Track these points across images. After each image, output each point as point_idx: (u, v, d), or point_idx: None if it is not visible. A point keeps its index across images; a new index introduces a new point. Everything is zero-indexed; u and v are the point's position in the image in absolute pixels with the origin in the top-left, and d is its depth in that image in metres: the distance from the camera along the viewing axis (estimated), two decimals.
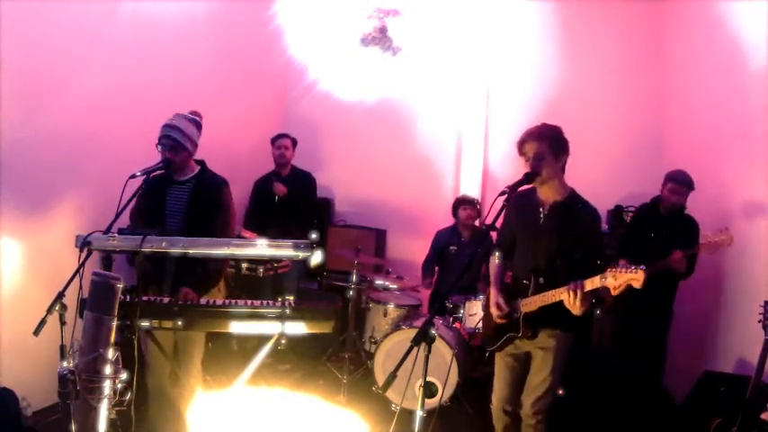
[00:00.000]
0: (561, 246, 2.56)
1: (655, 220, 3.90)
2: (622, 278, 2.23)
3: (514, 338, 2.67)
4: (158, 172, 2.81)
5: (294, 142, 4.78)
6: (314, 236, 2.39)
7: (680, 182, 3.77)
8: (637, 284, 2.20)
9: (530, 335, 2.61)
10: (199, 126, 3.00)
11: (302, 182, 4.77)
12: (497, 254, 2.86)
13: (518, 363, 2.74)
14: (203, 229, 2.76)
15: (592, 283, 2.33)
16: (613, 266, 2.28)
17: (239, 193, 5.17)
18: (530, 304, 2.57)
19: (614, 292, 2.27)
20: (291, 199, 4.63)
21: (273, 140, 4.77)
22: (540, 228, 2.62)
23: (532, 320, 2.59)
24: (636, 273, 2.19)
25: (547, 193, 2.63)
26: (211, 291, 2.98)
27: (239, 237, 4.23)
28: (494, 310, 2.68)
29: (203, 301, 2.71)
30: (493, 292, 2.74)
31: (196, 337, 2.96)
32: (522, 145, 2.57)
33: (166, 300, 2.60)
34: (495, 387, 2.84)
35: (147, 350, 2.89)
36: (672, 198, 3.78)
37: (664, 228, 3.82)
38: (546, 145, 2.51)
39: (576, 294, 2.34)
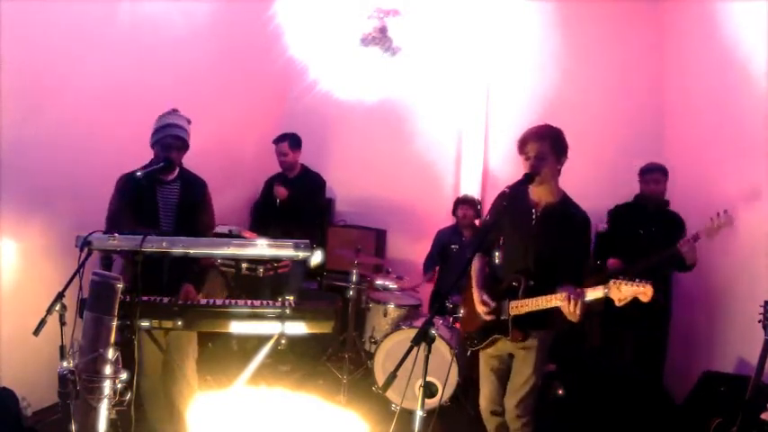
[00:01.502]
0: (552, 248, 2.54)
1: (641, 217, 3.93)
2: (628, 291, 2.22)
3: (499, 339, 2.66)
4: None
5: (293, 143, 4.60)
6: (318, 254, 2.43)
7: (654, 170, 3.89)
8: (645, 298, 2.21)
9: (521, 338, 2.58)
10: (189, 123, 3.02)
11: (310, 184, 4.68)
12: (477, 254, 2.81)
13: (503, 364, 2.75)
14: (191, 227, 2.81)
15: (593, 293, 2.32)
16: (616, 277, 2.28)
17: (239, 193, 5.19)
18: (520, 307, 2.54)
19: (619, 304, 2.26)
20: (294, 203, 4.53)
21: (274, 143, 4.66)
22: (531, 229, 2.60)
23: (522, 323, 2.56)
24: (644, 287, 2.20)
25: (540, 195, 2.62)
26: (204, 287, 2.99)
27: (239, 237, 4.24)
28: (481, 308, 2.64)
29: (203, 301, 2.72)
30: (476, 290, 2.70)
31: (187, 336, 2.96)
32: (523, 144, 2.56)
33: (166, 300, 2.60)
34: (481, 389, 2.84)
35: (139, 352, 2.87)
36: (650, 187, 3.88)
37: (652, 224, 3.86)
38: (548, 145, 2.52)
39: (576, 303, 2.32)
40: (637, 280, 2.22)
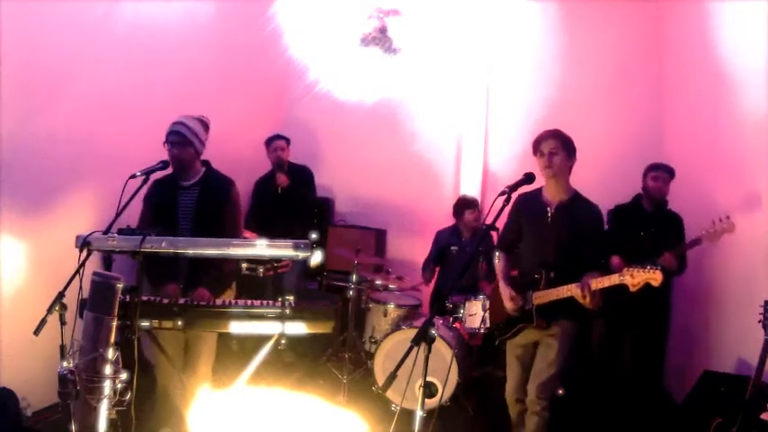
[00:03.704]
0: (568, 242, 2.76)
1: (641, 217, 3.94)
2: (641, 277, 2.45)
3: (525, 329, 2.85)
4: (159, 173, 2.80)
5: (288, 141, 4.82)
6: (314, 236, 2.41)
7: (661, 168, 3.89)
8: (655, 283, 2.44)
9: (545, 326, 2.79)
10: (206, 126, 3.00)
11: (300, 176, 4.84)
12: (498, 253, 3.06)
13: (527, 353, 2.94)
14: (212, 232, 2.73)
15: (609, 281, 2.54)
16: (629, 265, 2.50)
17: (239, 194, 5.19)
18: (543, 297, 2.76)
19: (633, 289, 2.48)
20: (291, 194, 4.67)
21: (268, 143, 4.80)
22: (547, 227, 2.82)
23: (545, 312, 2.77)
24: (654, 272, 2.43)
25: (553, 194, 2.85)
26: (226, 291, 2.97)
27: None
28: (510, 305, 2.86)
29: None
30: (503, 287, 2.94)
31: (207, 337, 2.95)
32: (537, 144, 2.79)
33: (166, 300, 2.60)
34: (507, 377, 3.06)
35: (155, 349, 2.88)
36: (656, 185, 3.87)
37: (652, 225, 3.88)
38: (560, 142, 2.76)
39: (583, 292, 2.57)
40: (648, 266, 2.43)
